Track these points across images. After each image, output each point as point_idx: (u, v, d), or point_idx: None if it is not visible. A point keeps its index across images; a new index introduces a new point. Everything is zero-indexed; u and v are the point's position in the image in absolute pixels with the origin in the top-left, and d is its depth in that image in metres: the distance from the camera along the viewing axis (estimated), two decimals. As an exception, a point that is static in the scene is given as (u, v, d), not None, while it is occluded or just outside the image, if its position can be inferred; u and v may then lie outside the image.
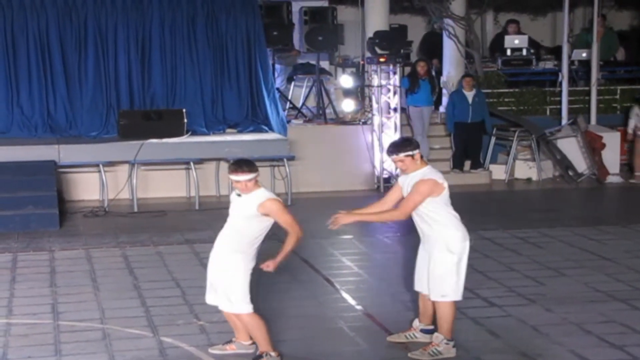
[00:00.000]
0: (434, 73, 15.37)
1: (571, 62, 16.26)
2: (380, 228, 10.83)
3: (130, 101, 13.90)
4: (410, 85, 14.65)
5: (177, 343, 6.85)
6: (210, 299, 6.52)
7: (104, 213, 12.34)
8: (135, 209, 12.47)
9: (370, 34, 14.65)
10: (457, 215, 6.54)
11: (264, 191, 6.30)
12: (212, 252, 6.48)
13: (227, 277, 6.32)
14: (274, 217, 6.26)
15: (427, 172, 6.49)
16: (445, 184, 6.49)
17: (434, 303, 6.60)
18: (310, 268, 9.25)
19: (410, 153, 6.45)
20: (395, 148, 6.54)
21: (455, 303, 6.56)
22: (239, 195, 6.35)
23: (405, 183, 6.58)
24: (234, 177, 6.26)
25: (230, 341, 6.66)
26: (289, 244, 6.30)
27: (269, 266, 6.32)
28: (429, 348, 6.53)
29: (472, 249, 9.68)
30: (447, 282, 6.46)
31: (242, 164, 6.28)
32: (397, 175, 13.89)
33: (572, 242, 10.32)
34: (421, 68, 14.72)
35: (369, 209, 6.80)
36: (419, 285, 6.71)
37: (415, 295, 6.98)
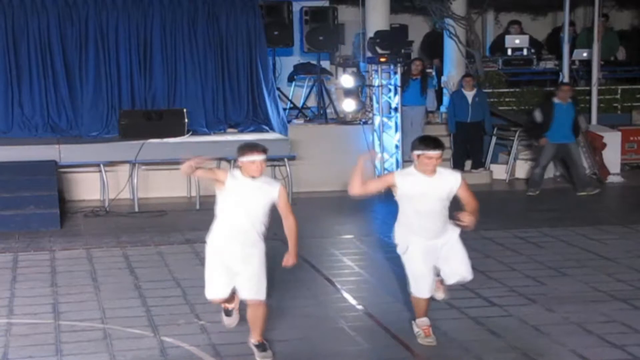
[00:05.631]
0: (434, 73, 15.35)
1: (572, 62, 16.26)
2: (380, 228, 10.82)
3: (131, 101, 13.91)
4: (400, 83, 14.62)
5: (178, 343, 6.84)
6: (226, 290, 6.30)
7: (104, 213, 12.34)
8: (136, 209, 12.48)
9: (371, 33, 14.65)
10: None
11: (266, 177, 6.28)
12: (227, 240, 6.24)
13: (257, 265, 6.22)
14: (281, 202, 6.18)
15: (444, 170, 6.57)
16: None
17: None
18: (311, 267, 9.25)
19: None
20: (436, 144, 6.32)
21: None
22: (254, 178, 6.13)
23: (427, 185, 6.38)
24: (251, 157, 6.06)
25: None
26: (294, 232, 6.23)
27: (288, 261, 6.25)
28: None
29: (472, 249, 9.79)
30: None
31: (257, 144, 6.16)
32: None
33: (573, 241, 10.32)
34: (415, 67, 14.72)
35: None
36: (454, 277, 6.74)
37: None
